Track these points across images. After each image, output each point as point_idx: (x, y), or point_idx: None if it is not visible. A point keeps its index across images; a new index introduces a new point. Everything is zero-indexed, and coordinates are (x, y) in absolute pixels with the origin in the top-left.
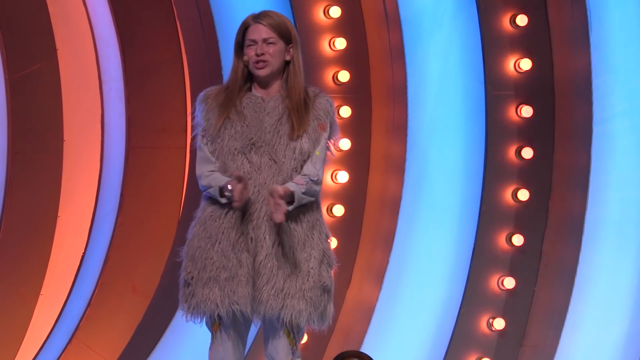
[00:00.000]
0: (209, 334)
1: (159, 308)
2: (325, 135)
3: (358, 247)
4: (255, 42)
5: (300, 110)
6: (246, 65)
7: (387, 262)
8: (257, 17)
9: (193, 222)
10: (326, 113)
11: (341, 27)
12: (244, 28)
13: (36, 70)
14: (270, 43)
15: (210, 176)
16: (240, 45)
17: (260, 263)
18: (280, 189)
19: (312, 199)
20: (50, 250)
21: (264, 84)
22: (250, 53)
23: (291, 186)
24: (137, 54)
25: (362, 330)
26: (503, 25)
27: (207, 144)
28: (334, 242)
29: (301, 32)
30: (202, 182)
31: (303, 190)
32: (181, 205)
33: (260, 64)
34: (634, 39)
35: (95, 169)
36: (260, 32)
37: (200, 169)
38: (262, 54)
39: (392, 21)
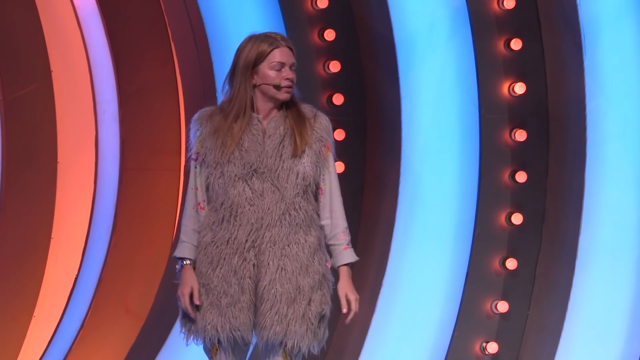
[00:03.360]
0: (204, 355)
1: (152, 329)
2: (332, 155)
3: (352, 269)
4: (284, 65)
5: (301, 127)
6: (256, 86)
7: (381, 284)
8: (283, 40)
9: None
10: (328, 133)
11: (336, 50)
12: (268, 50)
13: (30, 91)
14: (294, 69)
15: (184, 229)
16: (251, 67)
17: (264, 288)
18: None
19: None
20: (44, 271)
21: (265, 106)
22: (277, 76)
23: (348, 258)
24: (131, 76)
25: (356, 352)
26: (497, 49)
27: (196, 167)
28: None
29: (296, 54)
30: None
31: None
32: (175, 226)
33: (288, 89)
34: (627, 62)
35: (89, 190)
36: (290, 56)
37: (186, 204)
38: (291, 79)
39: (387, 44)
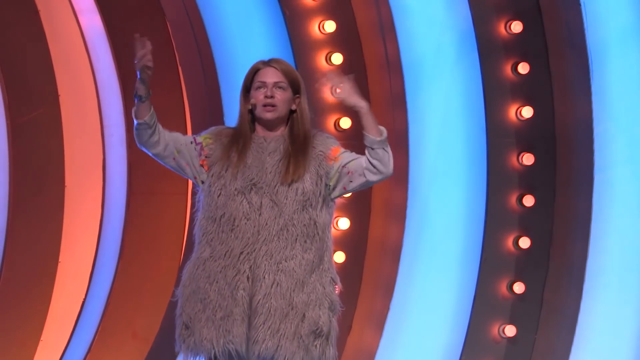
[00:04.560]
0: None
1: (159, 354)
2: (345, 151)
3: (359, 293)
4: (265, 84)
5: (297, 155)
6: (251, 109)
7: (388, 308)
8: (269, 62)
9: (189, 263)
10: (326, 144)
11: (343, 74)
12: (254, 71)
13: (38, 115)
14: (280, 87)
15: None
16: (247, 90)
17: (258, 302)
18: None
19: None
20: (51, 296)
21: (269, 126)
22: (258, 96)
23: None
24: None
25: None
26: (505, 73)
27: (195, 148)
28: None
29: (304, 78)
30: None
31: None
32: (182, 250)
33: (269, 107)
34: (635, 86)
35: (97, 214)
36: (272, 75)
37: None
38: (272, 97)
39: (394, 68)
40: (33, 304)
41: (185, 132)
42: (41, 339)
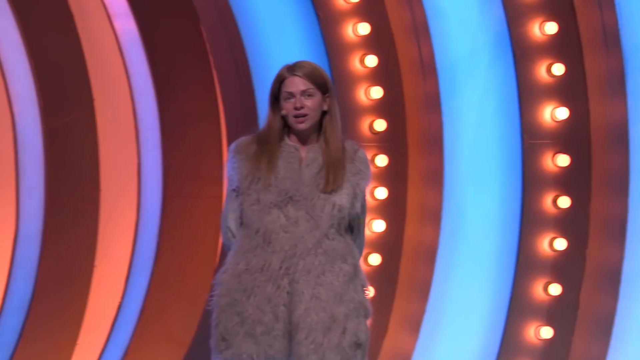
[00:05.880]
0: None
1: (194, 357)
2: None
3: (394, 296)
4: (293, 95)
5: (337, 164)
6: (283, 118)
7: (424, 311)
8: (293, 69)
9: (221, 272)
10: (367, 166)
11: (377, 76)
12: (280, 81)
13: (73, 119)
14: (309, 95)
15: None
16: (276, 98)
17: (300, 317)
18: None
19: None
20: (87, 300)
21: (301, 135)
22: (288, 107)
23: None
24: (173, 103)
25: None
26: (539, 74)
27: (236, 196)
28: (370, 292)
29: (337, 81)
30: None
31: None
32: (217, 254)
33: (300, 118)
34: None
35: (132, 218)
36: (298, 84)
37: (223, 223)
38: (302, 107)
39: (428, 70)
40: (69, 308)
41: (219, 136)
42: (77, 342)
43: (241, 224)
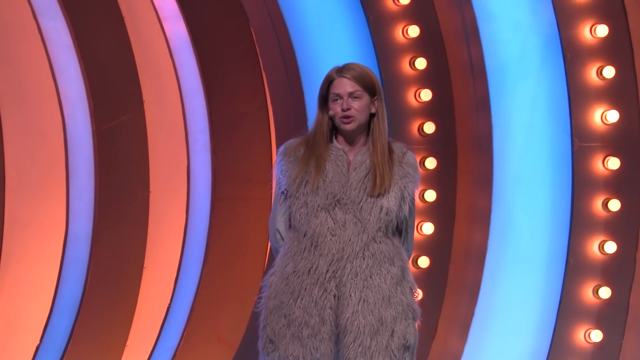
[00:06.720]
0: None
1: (244, 358)
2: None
3: (443, 298)
4: (340, 96)
5: (385, 166)
6: (331, 119)
7: (473, 313)
8: (341, 71)
9: (270, 274)
10: (415, 170)
11: (427, 79)
12: (328, 82)
13: (123, 121)
14: (356, 97)
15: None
16: (324, 99)
17: (347, 320)
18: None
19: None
20: (136, 301)
21: (349, 137)
22: (336, 108)
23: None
24: (222, 105)
25: None
26: (590, 76)
27: (284, 199)
28: (419, 294)
29: (387, 83)
30: (270, 240)
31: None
32: (266, 255)
33: (347, 119)
34: None
35: (181, 220)
36: (345, 86)
37: (271, 225)
38: (349, 109)
39: (478, 72)
40: (119, 309)
41: (268, 138)
42: (127, 344)
43: (289, 226)
